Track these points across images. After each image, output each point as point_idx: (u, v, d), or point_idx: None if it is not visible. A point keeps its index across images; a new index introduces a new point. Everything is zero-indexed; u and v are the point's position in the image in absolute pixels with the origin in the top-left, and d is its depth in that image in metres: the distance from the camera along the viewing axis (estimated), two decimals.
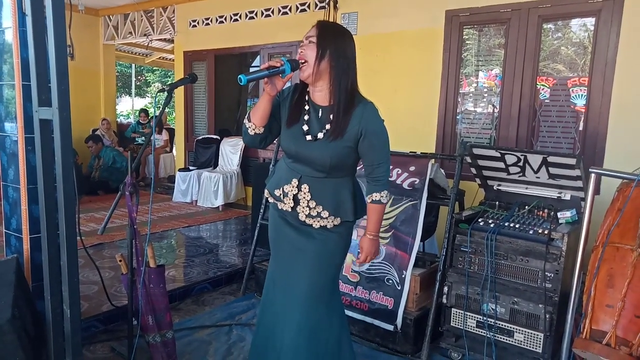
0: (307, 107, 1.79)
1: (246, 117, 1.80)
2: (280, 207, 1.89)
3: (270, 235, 2.01)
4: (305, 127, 1.76)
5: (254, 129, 1.76)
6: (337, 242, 1.86)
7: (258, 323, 2.04)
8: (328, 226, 1.81)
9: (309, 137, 1.75)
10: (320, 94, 1.76)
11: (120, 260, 2.26)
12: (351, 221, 1.86)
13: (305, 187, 1.80)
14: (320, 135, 1.74)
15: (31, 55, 1.64)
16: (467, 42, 4.17)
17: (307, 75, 1.71)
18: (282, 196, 1.85)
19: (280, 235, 1.93)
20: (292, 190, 1.82)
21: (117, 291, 3.17)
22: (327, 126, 1.73)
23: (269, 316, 1.96)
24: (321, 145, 1.73)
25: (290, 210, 1.84)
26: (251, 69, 7.41)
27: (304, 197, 1.80)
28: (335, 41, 1.70)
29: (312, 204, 1.79)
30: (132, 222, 2.15)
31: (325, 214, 1.79)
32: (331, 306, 1.91)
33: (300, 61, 1.70)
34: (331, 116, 1.73)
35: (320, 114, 1.76)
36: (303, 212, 1.81)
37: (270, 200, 1.94)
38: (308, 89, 1.80)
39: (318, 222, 1.81)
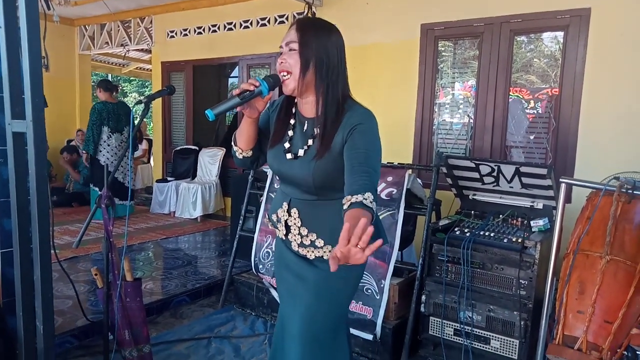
0: (292, 122, 1.56)
1: (232, 139, 1.60)
2: (277, 235, 1.68)
3: (274, 266, 1.79)
4: (286, 145, 1.54)
5: (241, 153, 1.58)
6: (341, 276, 1.51)
7: None
8: (325, 257, 1.53)
9: (289, 156, 1.52)
10: (308, 106, 1.52)
11: (95, 274, 2.22)
12: None
13: (295, 212, 1.56)
14: (300, 152, 1.51)
15: (4, 67, 1.62)
16: (442, 53, 4.26)
17: (291, 89, 1.46)
18: (277, 222, 1.64)
19: (282, 262, 1.68)
20: (283, 216, 1.59)
21: (92, 305, 3.11)
22: (310, 142, 1.50)
23: None
24: (302, 163, 1.49)
25: (283, 238, 1.63)
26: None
27: (295, 224, 1.56)
28: (321, 44, 1.43)
29: (304, 230, 1.55)
30: (109, 235, 2.13)
31: (320, 242, 1.53)
32: (333, 353, 1.61)
33: (282, 74, 1.45)
34: (316, 130, 1.48)
35: (305, 127, 1.53)
36: (295, 240, 1.57)
37: (270, 227, 1.71)
38: (296, 100, 1.56)
39: (312, 252, 1.55)
